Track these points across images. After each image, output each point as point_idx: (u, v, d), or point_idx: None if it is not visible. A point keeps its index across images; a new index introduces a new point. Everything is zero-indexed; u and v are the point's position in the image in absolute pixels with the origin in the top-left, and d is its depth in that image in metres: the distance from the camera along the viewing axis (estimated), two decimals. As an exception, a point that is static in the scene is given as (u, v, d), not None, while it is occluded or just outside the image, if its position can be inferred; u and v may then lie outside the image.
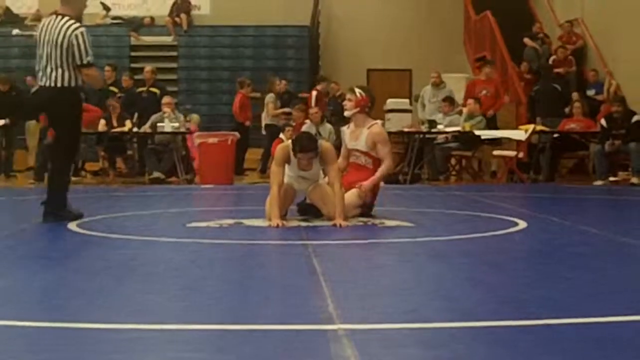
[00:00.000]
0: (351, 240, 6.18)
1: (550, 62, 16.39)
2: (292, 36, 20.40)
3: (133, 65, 18.82)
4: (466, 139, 13.26)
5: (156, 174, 13.40)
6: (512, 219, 7.26)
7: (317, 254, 5.28)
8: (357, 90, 7.62)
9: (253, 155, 16.03)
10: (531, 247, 6.09)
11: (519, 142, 13.07)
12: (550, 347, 3.04)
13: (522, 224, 6.91)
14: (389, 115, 14.65)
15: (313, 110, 14.28)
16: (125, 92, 15.08)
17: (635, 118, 12.60)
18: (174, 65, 19.91)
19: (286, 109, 15.60)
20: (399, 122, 14.26)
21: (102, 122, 13.75)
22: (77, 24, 7.05)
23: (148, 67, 15.58)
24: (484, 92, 14.41)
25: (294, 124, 14.47)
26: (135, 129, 13.68)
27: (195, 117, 15.38)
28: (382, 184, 8.02)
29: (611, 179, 12.75)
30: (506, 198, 10.42)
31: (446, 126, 13.59)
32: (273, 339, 3.18)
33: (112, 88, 15.34)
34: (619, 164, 13.34)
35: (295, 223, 6.92)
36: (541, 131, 13.39)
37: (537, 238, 6.49)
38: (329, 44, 21.11)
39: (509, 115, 15.76)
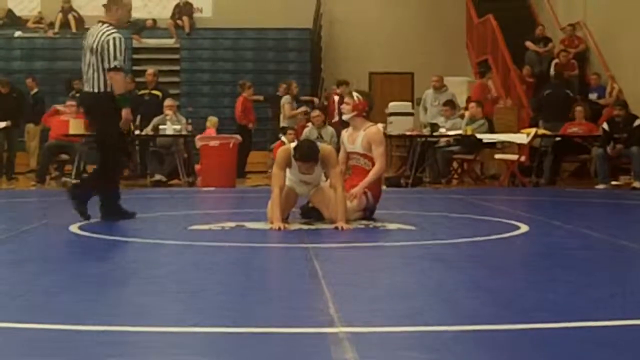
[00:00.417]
0: (353, 243, 6.18)
1: (552, 65, 16.40)
2: (294, 39, 20.42)
3: (135, 67, 18.83)
4: (468, 143, 13.26)
5: (158, 177, 13.40)
6: (513, 222, 7.25)
7: (319, 257, 5.27)
8: (355, 94, 7.64)
9: (256, 158, 16.05)
10: (533, 251, 6.09)
11: (520, 145, 13.07)
12: (552, 351, 3.03)
13: (524, 228, 6.91)
14: (391, 119, 14.66)
15: (315, 113, 14.29)
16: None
17: (637, 122, 12.59)
18: (176, 67, 19.93)
19: (302, 109, 15.56)
20: (401, 126, 14.26)
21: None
22: (113, 30, 7.27)
23: (150, 70, 15.58)
24: (488, 95, 14.54)
25: (295, 126, 14.51)
26: (137, 132, 13.68)
27: (213, 119, 15.34)
28: (384, 187, 8.02)
29: (613, 182, 12.75)
30: (508, 201, 10.41)
31: (448, 129, 13.59)
32: (274, 342, 3.17)
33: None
34: (621, 167, 13.34)
35: (296, 226, 6.92)
36: (543, 135, 13.39)
37: (538, 242, 6.49)
38: (331, 47, 21.12)
39: (511, 119, 15.77)
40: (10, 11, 20.84)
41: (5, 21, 20.66)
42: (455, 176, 14.01)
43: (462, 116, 14.21)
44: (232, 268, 5.07)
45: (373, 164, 7.49)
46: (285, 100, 15.98)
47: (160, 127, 13.25)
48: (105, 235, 6.45)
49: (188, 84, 19.92)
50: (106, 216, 7.36)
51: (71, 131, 13.55)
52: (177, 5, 20.53)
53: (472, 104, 13.83)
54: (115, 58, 7.16)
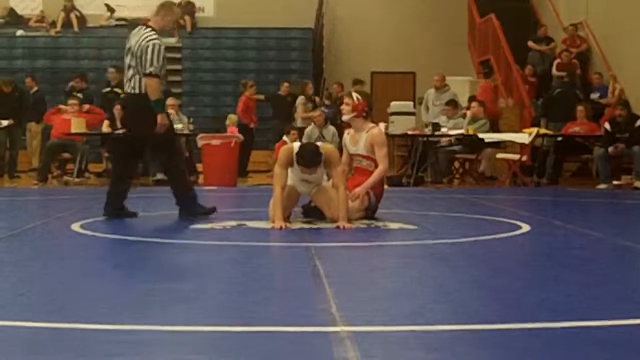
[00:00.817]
0: (354, 243, 6.18)
1: (554, 65, 16.40)
2: (296, 38, 20.42)
3: (137, 67, 18.81)
4: (469, 142, 13.26)
5: (159, 176, 13.40)
6: (515, 222, 7.25)
7: (320, 256, 5.28)
8: (355, 95, 7.61)
9: (258, 157, 16.05)
10: (534, 250, 6.09)
11: (522, 145, 13.06)
12: (554, 350, 3.04)
13: (526, 227, 6.91)
14: (392, 118, 14.65)
15: (316, 113, 14.29)
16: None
17: (639, 122, 12.60)
18: (178, 67, 19.93)
19: (317, 112, 15.47)
20: (403, 125, 14.26)
21: (106, 123, 13.75)
22: (154, 36, 7.43)
23: (152, 69, 15.56)
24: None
25: (306, 126, 14.50)
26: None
27: (233, 117, 15.33)
28: (385, 186, 8.02)
29: (614, 182, 12.75)
30: (509, 201, 10.41)
31: (450, 129, 13.59)
32: (276, 341, 3.18)
33: (116, 90, 15.37)
34: (623, 167, 13.34)
35: (298, 225, 6.92)
36: (545, 134, 13.38)
37: (540, 241, 6.49)
38: (333, 46, 21.12)
39: (513, 119, 15.77)
40: (12, 10, 20.85)
41: (7, 20, 20.67)
42: (457, 176, 14.01)
43: (463, 116, 14.21)
44: (233, 267, 5.07)
45: (376, 165, 7.48)
46: (300, 101, 15.98)
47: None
48: (107, 234, 6.45)
49: (190, 83, 19.93)
50: (111, 212, 7.45)
51: (73, 130, 13.57)
52: (179, 5, 20.53)
53: (474, 104, 13.82)
54: (151, 64, 7.30)
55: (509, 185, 13.09)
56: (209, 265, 5.15)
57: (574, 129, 13.52)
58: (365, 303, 3.87)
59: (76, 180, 13.56)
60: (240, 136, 13.58)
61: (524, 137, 12.99)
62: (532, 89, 16.71)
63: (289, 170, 7.04)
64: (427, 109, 15.22)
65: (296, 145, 7.10)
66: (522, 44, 17.39)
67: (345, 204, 6.88)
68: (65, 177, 14.07)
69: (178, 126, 13.27)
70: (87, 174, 14.48)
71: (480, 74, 17.54)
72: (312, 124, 14.70)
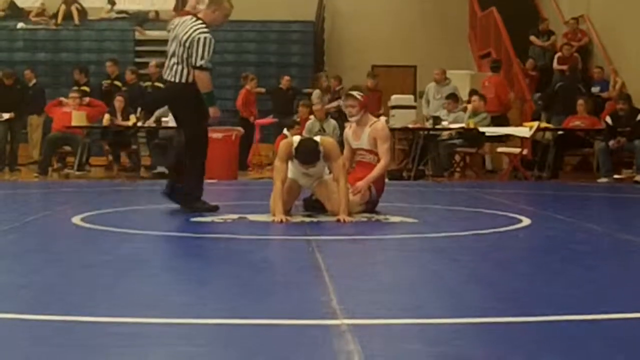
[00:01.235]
0: (355, 236, 6.18)
1: (555, 59, 16.38)
2: (297, 32, 20.39)
3: (138, 59, 18.82)
4: (470, 136, 13.26)
5: (160, 169, 13.40)
6: (515, 216, 7.26)
7: (321, 249, 5.28)
8: (356, 93, 7.56)
9: (260, 150, 16.04)
10: (535, 244, 6.09)
11: (523, 139, 13.06)
12: (554, 344, 3.04)
13: (526, 221, 6.91)
14: (393, 112, 14.66)
15: (317, 106, 14.27)
16: (129, 87, 15.09)
17: (640, 116, 12.60)
18: (178, 60, 19.86)
19: (334, 104, 15.36)
20: (404, 119, 14.27)
21: (107, 116, 13.74)
22: (206, 29, 7.35)
23: (153, 62, 15.58)
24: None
25: (298, 119, 14.47)
26: (139, 124, 13.69)
27: None
28: (386, 180, 8.02)
29: (615, 176, 12.75)
30: (510, 195, 10.41)
31: (450, 123, 13.59)
32: (276, 334, 3.18)
33: (116, 82, 15.37)
34: (623, 161, 13.34)
35: (299, 219, 6.93)
36: (545, 128, 13.38)
37: (540, 235, 6.49)
38: (334, 40, 21.09)
39: (514, 112, 15.76)
40: (12, 2, 20.82)
41: (8, 13, 20.65)
42: (458, 169, 14.01)
43: (464, 109, 14.21)
44: (234, 260, 5.08)
45: (379, 159, 7.48)
46: (316, 94, 15.94)
47: (163, 119, 13.24)
48: (107, 227, 6.45)
49: (190, 77, 19.87)
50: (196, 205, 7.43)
51: (73, 123, 13.57)
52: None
53: (475, 98, 13.82)
54: (202, 57, 7.27)
55: (510, 179, 13.09)
56: (210, 258, 5.15)
57: (575, 122, 13.51)
58: (366, 296, 3.87)
59: (77, 173, 13.56)
60: (241, 129, 13.57)
61: (524, 131, 12.99)
62: (533, 82, 16.70)
63: (290, 163, 7.04)
64: (428, 102, 15.21)
65: (296, 139, 7.08)
66: (523, 38, 17.37)
67: (346, 197, 6.88)
68: (66, 170, 14.07)
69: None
70: (87, 167, 14.49)
71: (491, 70, 17.47)
72: (313, 117, 14.69)
